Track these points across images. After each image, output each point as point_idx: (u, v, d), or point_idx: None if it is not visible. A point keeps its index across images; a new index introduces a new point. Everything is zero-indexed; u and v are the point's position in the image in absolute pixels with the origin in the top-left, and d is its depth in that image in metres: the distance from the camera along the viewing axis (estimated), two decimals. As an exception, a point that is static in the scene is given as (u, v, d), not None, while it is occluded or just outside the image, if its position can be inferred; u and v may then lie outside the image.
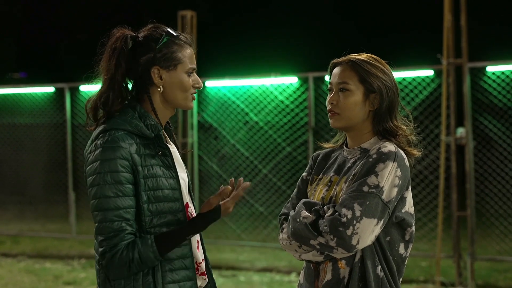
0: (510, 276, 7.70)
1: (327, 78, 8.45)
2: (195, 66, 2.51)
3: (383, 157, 2.35)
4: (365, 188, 2.31)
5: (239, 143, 9.54)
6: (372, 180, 2.32)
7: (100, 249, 2.31)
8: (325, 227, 2.30)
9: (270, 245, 8.91)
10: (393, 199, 2.33)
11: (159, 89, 2.46)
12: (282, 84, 8.99)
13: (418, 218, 8.47)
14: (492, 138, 8.01)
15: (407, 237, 2.43)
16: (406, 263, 2.47)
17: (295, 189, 2.67)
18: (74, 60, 23.73)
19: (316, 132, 8.65)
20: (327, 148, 2.68)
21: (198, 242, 2.57)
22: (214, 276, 2.72)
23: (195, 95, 2.55)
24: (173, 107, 2.53)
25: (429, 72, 7.88)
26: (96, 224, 2.32)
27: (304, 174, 2.68)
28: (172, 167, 2.44)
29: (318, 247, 2.34)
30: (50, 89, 10.61)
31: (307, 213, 2.39)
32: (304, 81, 8.71)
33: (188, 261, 2.44)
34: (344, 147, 2.57)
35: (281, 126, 9.29)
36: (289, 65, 13.49)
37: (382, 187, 2.31)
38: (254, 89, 9.19)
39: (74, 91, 10.10)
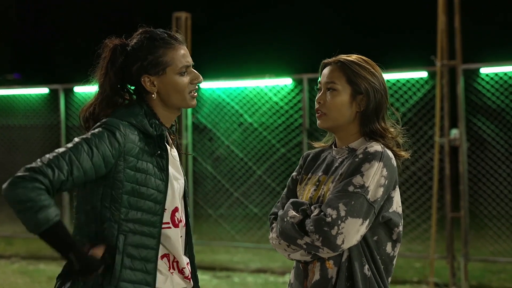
0: (504, 277, 7.72)
1: (321, 79, 8.51)
2: (188, 63, 2.48)
3: (369, 157, 2.35)
4: (351, 188, 2.32)
5: (234, 145, 9.55)
6: (357, 180, 2.33)
7: (28, 166, 2.23)
8: (311, 227, 2.31)
9: (265, 246, 8.92)
10: (379, 199, 2.34)
11: (153, 95, 2.46)
12: (277, 85, 9.00)
13: (412, 219, 8.49)
14: (485, 139, 8.04)
15: (394, 237, 2.44)
16: (394, 262, 2.48)
17: (285, 189, 2.69)
18: (68, 62, 23.72)
19: (310, 133, 8.66)
20: (317, 147, 2.69)
21: (183, 245, 2.57)
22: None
23: (195, 91, 2.53)
24: (176, 109, 2.52)
25: (423, 74, 7.90)
26: (47, 155, 2.26)
27: (294, 173, 2.69)
28: (164, 170, 2.43)
29: (305, 246, 2.35)
30: (44, 90, 10.60)
31: (294, 213, 2.40)
32: (298, 82, 8.73)
33: (150, 266, 2.40)
34: (333, 147, 2.59)
35: (275, 127, 9.31)
36: (284, 66, 13.51)
37: (368, 187, 2.31)
38: (248, 91, 9.20)
39: (68, 93, 10.09)
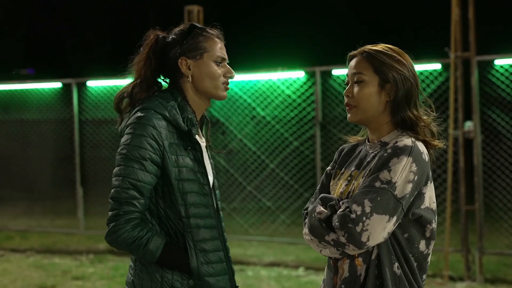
0: (519, 270, 7.68)
1: (334, 72, 8.48)
2: (224, 56, 2.58)
3: (398, 152, 2.29)
4: (377, 184, 2.26)
5: (246, 138, 9.53)
6: (384, 175, 2.26)
7: (112, 212, 2.38)
8: (336, 223, 2.26)
9: (278, 239, 8.91)
10: (407, 195, 2.26)
11: (188, 78, 2.55)
12: (289, 78, 8.97)
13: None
14: (500, 131, 7.97)
15: (427, 234, 2.37)
16: (428, 260, 2.42)
17: (319, 184, 2.65)
18: (81, 56, 23.78)
19: (323, 126, 8.63)
20: (352, 142, 2.64)
21: None
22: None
23: (227, 85, 2.61)
24: (207, 98, 2.60)
25: (437, 66, 7.84)
26: (112, 190, 2.41)
27: (328, 168, 2.65)
28: (201, 162, 2.51)
29: (332, 243, 2.30)
30: (57, 84, 10.63)
31: (322, 209, 2.35)
32: (311, 75, 8.69)
33: (222, 255, 2.52)
34: (366, 141, 2.53)
35: (288, 120, 9.28)
36: (296, 59, 13.46)
37: (395, 183, 2.25)
38: (261, 84, 9.18)
39: (81, 87, 10.12)
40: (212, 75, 2.54)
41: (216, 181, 2.71)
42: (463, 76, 7.25)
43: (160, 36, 2.60)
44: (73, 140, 10.09)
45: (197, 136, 2.56)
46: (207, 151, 2.68)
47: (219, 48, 2.57)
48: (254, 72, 9.18)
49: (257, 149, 9.51)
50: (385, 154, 2.31)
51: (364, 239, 2.22)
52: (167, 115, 2.46)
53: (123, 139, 2.45)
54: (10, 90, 11.13)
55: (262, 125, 9.41)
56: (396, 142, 2.33)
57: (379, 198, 2.23)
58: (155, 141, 2.40)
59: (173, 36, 2.58)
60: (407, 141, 2.32)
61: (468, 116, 7.43)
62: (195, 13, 8.64)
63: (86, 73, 11.73)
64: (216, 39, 2.58)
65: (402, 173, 2.26)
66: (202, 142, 2.62)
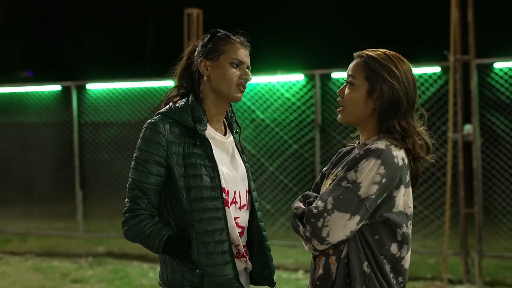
0: (518, 273, 7.67)
1: (333, 75, 8.49)
2: (242, 59, 2.75)
3: (368, 154, 2.34)
4: (343, 183, 2.33)
5: (246, 141, 9.54)
6: (351, 175, 2.33)
7: (124, 209, 2.69)
8: (304, 218, 2.36)
9: (277, 242, 8.91)
10: (372, 196, 2.30)
11: (205, 78, 2.73)
12: (289, 81, 8.98)
13: (425, 215, 8.45)
14: (499, 134, 7.98)
15: (399, 238, 2.39)
16: (404, 264, 2.43)
17: (314, 183, 2.74)
18: (81, 59, 23.78)
19: (322, 129, 8.64)
20: (352, 145, 2.69)
21: (243, 228, 2.78)
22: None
23: (243, 87, 2.77)
24: (224, 99, 2.76)
25: (436, 69, 7.85)
26: (126, 189, 2.72)
27: (324, 168, 2.72)
28: (210, 157, 2.67)
29: (304, 237, 2.38)
30: (57, 87, 10.63)
31: (300, 204, 2.45)
32: (310, 78, 8.70)
33: (226, 246, 2.64)
34: (356, 144, 2.59)
35: (287, 123, 9.28)
36: (296, 62, 13.46)
37: (360, 183, 2.30)
38: (260, 87, 9.18)
39: (81, 90, 10.12)
40: (226, 76, 2.71)
41: (253, 184, 2.93)
42: (463, 79, 7.25)
43: (196, 45, 2.82)
44: (72, 143, 10.09)
45: (214, 133, 2.75)
46: (237, 148, 2.89)
47: (239, 52, 2.74)
48: (254, 75, 9.11)
49: (256, 152, 9.51)
50: (358, 156, 2.37)
51: (324, 234, 2.31)
52: (176, 117, 2.67)
53: (138, 141, 2.72)
54: (9, 93, 11.14)
55: (262, 128, 9.41)
56: (371, 144, 2.39)
57: (341, 197, 2.30)
58: (159, 144, 2.62)
59: (201, 42, 2.80)
60: (380, 144, 2.37)
61: (467, 119, 7.44)
62: (195, 16, 8.64)
63: (85, 76, 11.73)
64: (238, 44, 2.76)
65: (368, 174, 2.31)
66: (225, 140, 2.79)
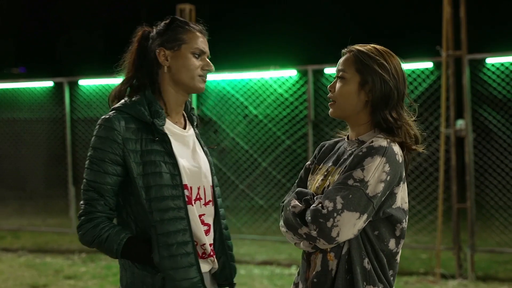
0: (510, 267, 7.71)
1: (326, 70, 8.49)
2: (203, 49, 2.60)
3: (372, 151, 2.34)
4: (350, 182, 2.32)
5: (239, 137, 9.54)
6: (358, 174, 2.32)
7: (80, 211, 2.53)
8: (309, 218, 2.32)
9: (270, 238, 8.92)
10: (379, 194, 2.32)
11: (165, 69, 2.57)
12: (281, 77, 8.98)
13: (418, 210, 8.48)
14: (491, 130, 8.00)
15: (397, 233, 2.42)
16: (397, 258, 2.47)
17: (298, 178, 2.71)
18: (73, 55, 23.72)
19: (315, 125, 8.64)
20: (336, 138, 2.69)
21: (209, 226, 2.65)
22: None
23: (205, 77, 2.63)
24: (184, 90, 2.61)
25: (429, 64, 7.86)
26: (81, 191, 2.56)
27: (307, 163, 2.71)
28: (170, 153, 2.52)
29: (304, 236, 2.35)
30: (49, 83, 10.60)
31: (296, 202, 2.42)
32: (303, 74, 8.70)
33: (189, 247, 2.50)
34: (346, 138, 2.59)
35: (280, 119, 9.29)
36: (288, 58, 13.47)
37: (367, 182, 2.30)
38: (253, 82, 9.18)
39: (73, 86, 10.09)
40: (189, 67, 2.57)
41: (215, 179, 2.76)
42: (455, 74, 7.27)
43: (146, 31, 2.64)
44: (65, 139, 10.06)
45: (173, 127, 2.60)
46: (199, 142, 2.73)
47: (199, 41, 2.59)
48: (246, 71, 9.18)
49: (249, 147, 9.51)
50: (360, 153, 2.37)
51: (334, 234, 2.29)
52: (132, 112, 2.51)
53: (92, 140, 2.55)
54: (1, 89, 11.10)
55: (255, 124, 9.42)
56: (372, 142, 2.39)
57: (350, 196, 2.29)
58: (114, 142, 2.46)
59: (156, 30, 2.62)
60: (383, 142, 2.38)
61: (459, 115, 7.46)
62: (187, 11, 8.63)
63: (78, 72, 11.70)
64: (198, 33, 2.61)
65: (375, 173, 2.32)
66: (185, 133, 2.65)
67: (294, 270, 7.76)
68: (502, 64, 7.65)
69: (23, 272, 7.86)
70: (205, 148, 2.77)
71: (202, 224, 2.59)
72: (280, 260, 8.23)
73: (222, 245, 2.70)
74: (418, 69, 7.93)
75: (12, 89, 10.97)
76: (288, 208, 2.43)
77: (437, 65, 7.70)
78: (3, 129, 11.33)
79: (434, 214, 8.02)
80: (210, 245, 2.63)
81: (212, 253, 2.63)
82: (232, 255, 2.76)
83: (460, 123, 7.34)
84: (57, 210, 12.02)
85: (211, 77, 9.21)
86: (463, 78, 7.28)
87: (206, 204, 2.65)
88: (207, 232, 2.62)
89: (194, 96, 8.95)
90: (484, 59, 7.67)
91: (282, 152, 9.47)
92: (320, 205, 2.32)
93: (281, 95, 9.06)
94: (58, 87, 10.26)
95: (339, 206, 2.28)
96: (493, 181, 8.02)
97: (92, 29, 24.45)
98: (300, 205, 2.41)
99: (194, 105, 8.84)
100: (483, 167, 8.05)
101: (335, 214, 2.28)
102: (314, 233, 2.31)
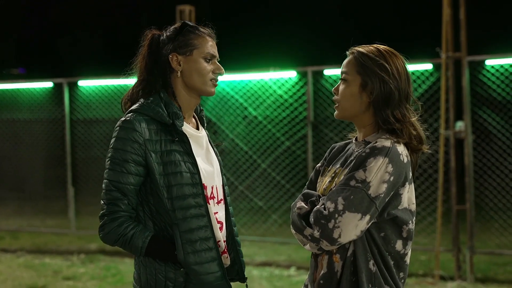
0: (510, 269, 7.71)
1: (326, 72, 8.49)
2: (214, 53, 2.67)
3: (375, 152, 2.33)
4: (352, 182, 2.31)
5: (238, 138, 9.53)
6: (359, 174, 2.32)
7: (101, 212, 2.58)
8: (312, 219, 2.33)
9: (270, 239, 8.92)
10: (382, 195, 2.31)
11: (178, 74, 2.65)
12: (281, 78, 8.97)
13: (417, 212, 8.46)
14: (491, 131, 8.00)
15: (404, 234, 2.41)
16: (407, 260, 2.45)
17: (309, 180, 2.71)
18: (73, 56, 23.72)
19: (315, 126, 8.64)
20: (347, 140, 2.69)
21: (222, 224, 2.74)
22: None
23: (216, 81, 2.70)
24: (196, 94, 2.70)
25: (428, 66, 7.86)
26: (102, 191, 2.61)
27: (318, 165, 2.71)
28: (189, 153, 2.60)
29: (309, 238, 2.36)
30: (49, 84, 10.60)
31: (302, 204, 2.43)
32: (303, 75, 8.70)
33: (211, 243, 2.60)
34: (354, 140, 2.59)
35: (280, 120, 9.28)
36: (288, 59, 13.48)
37: (369, 182, 2.30)
38: (253, 84, 9.18)
39: (73, 86, 10.09)
40: (201, 71, 2.64)
41: (225, 178, 2.84)
42: (454, 76, 7.27)
43: (156, 35, 2.70)
44: (64, 140, 10.06)
45: (189, 129, 2.69)
46: (209, 142, 2.82)
47: (209, 45, 2.66)
48: (246, 72, 9.18)
49: (249, 149, 9.51)
50: (363, 154, 2.36)
51: (335, 235, 2.29)
52: (151, 113, 2.58)
53: (111, 141, 2.60)
54: (1, 90, 11.10)
55: (254, 125, 9.41)
56: (376, 142, 2.38)
57: (352, 197, 2.29)
58: (136, 143, 2.53)
59: (167, 34, 2.68)
60: (386, 142, 2.37)
61: (459, 116, 7.46)
62: (187, 12, 8.63)
63: (77, 72, 11.70)
64: (207, 37, 2.68)
65: (377, 173, 2.31)
66: (199, 134, 2.74)
67: (293, 271, 7.75)
68: (501, 66, 7.65)
69: (21, 273, 7.85)
70: (215, 149, 2.86)
71: (216, 221, 2.68)
72: (279, 262, 8.23)
73: (233, 242, 2.79)
74: (417, 70, 7.93)
75: (12, 89, 10.97)
76: (294, 210, 2.44)
77: (437, 67, 7.70)
78: (3, 129, 11.32)
79: (434, 216, 8.02)
80: (224, 241, 2.72)
81: (225, 250, 2.72)
82: (241, 251, 2.85)
83: (460, 124, 7.34)
84: (56, 211, 12.01)
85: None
86: (462, 80, 7.28)
87: (218, 202, 2.74)
88: (220, 229, 2.71)
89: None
90: (483, 61, 7.67)
91: (282, 153, 9.47)
92: (322, 206, 2.33)
93: (281, 96, 9.06)
94: (58, 87, 10.26)
95: (340, 207, 2.28)
96: (492, 183, 8.02)
97: (92, 30, 24.46)
98: (305, 206, 2.41)
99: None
100: (483, 169, 8.05)
101: (336, 215, 2.28)
102: (317, 234, 2.31)
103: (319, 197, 2.44)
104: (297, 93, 8.88)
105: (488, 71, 7.74)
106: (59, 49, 25.20)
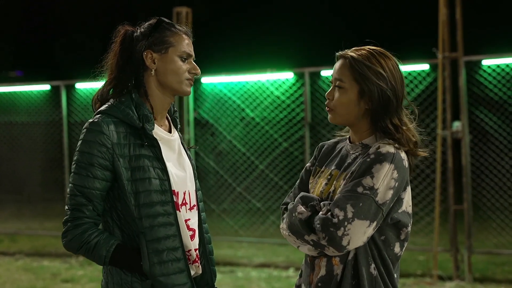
0: (508, 269, 7.72)
1: (323, 73, 8.50)
2: (190, 52, 2.55)
3: (381, 158, 2.32)
4: (360, 189, 2.29)
5: (236, 139, 9.54)
6: (367, 181, 2.30)
7: (64, 217, 2.46)
8: (318, 226, 2.30)
9: (268, 240, 8.92)
10: (388, 201, 2.31)
11: (152, 72, 2.51)
12: (278, 79, 8.99)
13: (415, 212, 8.48)
14: (488, 131, 8.02)
15: (402, 237, 2.41)
16: (400, 260, 2.46)
17: (299, 179, 2.66)
18: (70, 58, 23.70)
19: (312, 127, 8.65)
20: (335, 139, 2.67)
21: (194, 231, 2.59)
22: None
23: (192, 81, 2.58)
24: (170, 93, 2.56)
25: (425, 66, 7.88)
26: (67, 196, 2.47)
27: (308, 164, 2.67)
28: (159, 158, 2.47)
29: (311, 243, 2.34)
30: (46, 87, 10.59)
31: (303, 208, 2.39)
32: (300, 76, 8.71)
33: (179, 253, 2.47)
34: (347, 141, 2.56)
35: (277, 121, 9.29)
36: (285, 60, 13.48)
37: (377, 189, 2.29)
38: (250, 85, 9.18)
39: (70, 89, 10.09)
40: (176, 71, 2.51)
41: (198, 182, 2.70)
42: (451, 76, 7.29)
43: (129, 31, 2.57)
44: (62, 143, 10.06)
45: (160, 132, 2.55)
46: (182, 145, 2.66)
47: (186, 44, 2.54)
48: (243, 74, 9.19)
49: (246, 150, 9.52)
50: (368, 160, 2.34)
51: (344, 243, 2.27)
52: (120, 115, 2.45)
53: (78, 143, 2.47)
54: (-2, 93, 11.09)
55: (251, 127, 9.42)
56: (379, 147, 2.36)
57: (361, 204, 2.27)
58: (103, 146, 2.39)
59: (141, 30, 2.56)
60: (390, 148, 2.36)
61: (456, 116, 7.47)
62: (184, 14, 8.64)
63: (75, 75, 11.70)
64: (184, 35, 2.55)
65: (384, 180, 2.30)
66: (171, 137, 2.60)
67: (291, 272, 7.76)
68: (498, 66, 7.67)
69: (20, 275, 7.85)
70: (188, 152, 2.70)
71: (187, 229, 2.54)
72: (277, 263, 8.23)
73: (204, 250, 2.65)
74: (414, 71, 7.95)
75: (9, 92, 10.96)
76: (294, 214, 2.40)
77: (433, 67, 7.71)
78: (0, 132, 11.32)
79: (431, 216, 8.04)
80: (195, 250, 2.58)
81: (197, 259, 2.58)
82: (213, 259, 2.71)
83: (457, 125, 7.35)
84: (55, 213, 12.00)
85: (208, 79, 9.22)
86: (459, 80, 7.30)
87: (191, 208, 2.60)
88: (192, 237, 2.57)
89: (191, 98, 8.95)
90: (480, 61, 7.69)
91: (279, 155, 9.48)
92: (329, 213, 2.30)
93: (278, 97, 9.07)
94: (55, 90, 10.26)
95: (349, 214, 2.26)
96: (489, 183, 8.03)
97: (89, 32, 24.45)
98: (306, 211, 2.38)
99: (191, 107, 8.85)
100: (480, 169, 8.07)
101: (346, 223, 2.26)
102: (323, 241, 2.29)
103: (319, 201, 2.41)
104: (294, 94, 8.89)
105: (484, 71, 7.75)
106: (56, 52, 25.19)
